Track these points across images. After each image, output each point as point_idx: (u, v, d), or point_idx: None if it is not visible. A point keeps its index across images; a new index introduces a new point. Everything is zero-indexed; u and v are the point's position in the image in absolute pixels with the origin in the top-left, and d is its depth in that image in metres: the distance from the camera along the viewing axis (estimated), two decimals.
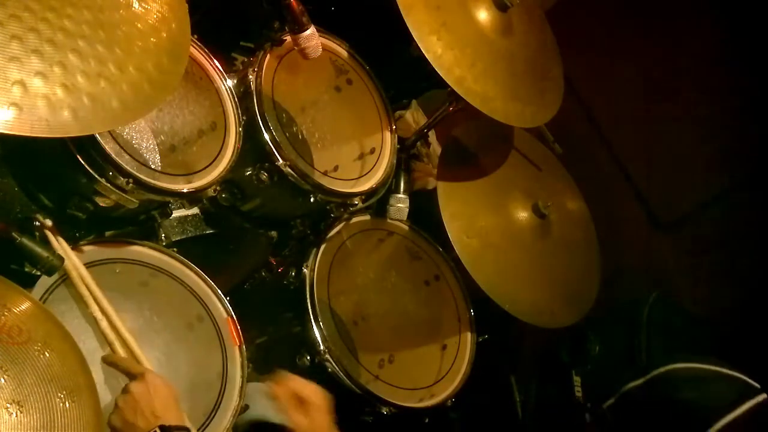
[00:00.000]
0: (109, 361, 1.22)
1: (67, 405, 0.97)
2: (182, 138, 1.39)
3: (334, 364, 1.45)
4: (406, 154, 1.96)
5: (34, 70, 0.93)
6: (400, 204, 1.76)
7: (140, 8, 1.11)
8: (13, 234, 1.17)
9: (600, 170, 2.49)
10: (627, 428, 0.99)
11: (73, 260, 1.23)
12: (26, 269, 1.23)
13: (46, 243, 1.20)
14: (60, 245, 1.22)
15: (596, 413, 1.04)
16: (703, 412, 0.92)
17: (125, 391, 1.13)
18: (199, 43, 1.47)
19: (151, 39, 1.10)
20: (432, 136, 2.32)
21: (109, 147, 1.23)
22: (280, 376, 1.31)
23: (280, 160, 1.48)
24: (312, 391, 1.28)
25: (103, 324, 1.23)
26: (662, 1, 2.41)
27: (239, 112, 1.48)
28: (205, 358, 1.36)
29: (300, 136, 1.59)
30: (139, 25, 1.09)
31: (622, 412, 1.00)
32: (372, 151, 1.71)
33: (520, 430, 2.14)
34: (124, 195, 1.26)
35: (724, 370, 0.98)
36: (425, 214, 1.80)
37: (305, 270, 1.53)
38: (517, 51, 1.73)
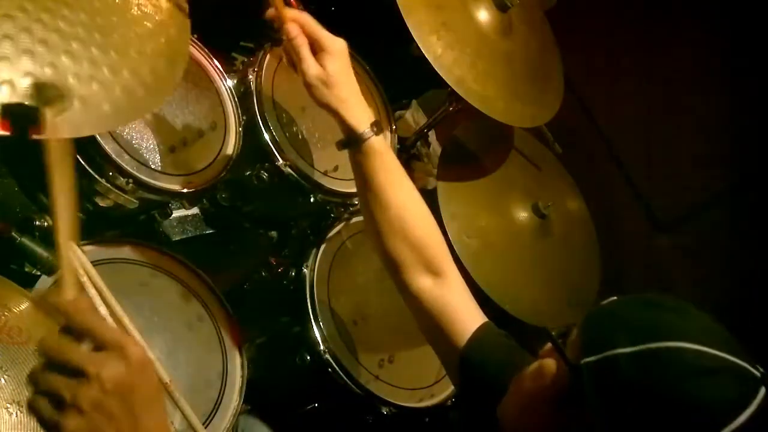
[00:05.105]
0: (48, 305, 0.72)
1: None
2: (182, 138, 1.39)
3: (334, 364, 1.45)
4: (406, 154, 1.96)
5: (24, 71, 0.91)
6: None
7: (138, 12, 1.10)
8: (13, 234, 1.18)
9: (600, 170, 2.49)
10: (602, 400, 0.81)
11: (80, 258, 1.23)
12: (26, 269, 1.23)
13: (45, 243, 1.21)
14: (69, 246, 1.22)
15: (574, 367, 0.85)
16: (711, 415, 0.78)
17: (90, 377, 0.67)
18: (199, 43, 1.47)
19: (149, 44, 1.10)
20: (432, 136, 2.32)
21: (109, 147, 1.24)
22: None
23: (280, 160, 1.48)
24: (326, 37, 1.16)
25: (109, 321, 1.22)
26: (662, 1, 2.41)
27: (239, 112, 1.49)
28: (205, 357, 1.36)
29: (300, 136, 1.59)
30: (136, 30, 1.08)
31: (601, 378, 0.81)
32: None
33: None
34: (124, 195, 1.26)
35: (731, 358, 0.85)
36: None
37: (305, 270, 1.53)
38: (517, 51, 1.73)
